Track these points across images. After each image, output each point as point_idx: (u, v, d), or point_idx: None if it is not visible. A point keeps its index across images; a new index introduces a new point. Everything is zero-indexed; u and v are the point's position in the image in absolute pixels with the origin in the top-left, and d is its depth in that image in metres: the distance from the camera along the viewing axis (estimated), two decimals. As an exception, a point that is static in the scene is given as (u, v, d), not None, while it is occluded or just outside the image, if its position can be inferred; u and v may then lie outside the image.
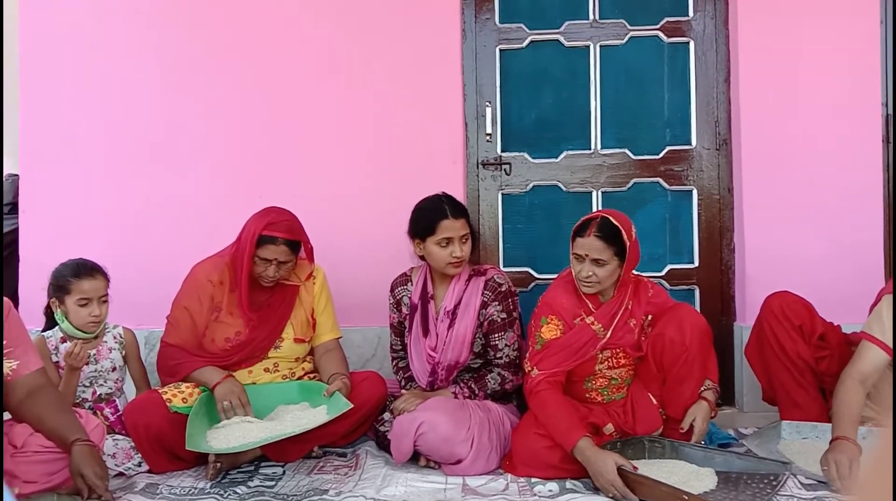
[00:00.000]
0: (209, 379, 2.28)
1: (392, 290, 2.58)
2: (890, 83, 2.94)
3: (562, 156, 3.08)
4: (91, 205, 3.06)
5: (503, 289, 2.40)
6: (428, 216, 2.37)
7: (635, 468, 1.95)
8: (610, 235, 2.16)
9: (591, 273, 2.17)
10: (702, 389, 2.21)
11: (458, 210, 2.38)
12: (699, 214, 3.06)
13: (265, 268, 2.34)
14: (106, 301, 2.35)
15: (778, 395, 2.40)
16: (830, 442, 2.00)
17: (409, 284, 2.53)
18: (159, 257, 2.99)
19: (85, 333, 2.33)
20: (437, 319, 2.45)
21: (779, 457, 2.09)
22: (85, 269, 2.33)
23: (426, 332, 2.45)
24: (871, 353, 2.11)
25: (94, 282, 2.32)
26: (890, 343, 2.10)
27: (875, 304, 2.25)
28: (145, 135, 3.06)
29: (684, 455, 2.12)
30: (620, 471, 1.93)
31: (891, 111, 2.94)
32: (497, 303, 2.38)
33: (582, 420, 2.14)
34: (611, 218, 2.19)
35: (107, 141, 3.07)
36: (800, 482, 2.05)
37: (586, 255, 2.17)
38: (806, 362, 2.34)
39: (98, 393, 2.39)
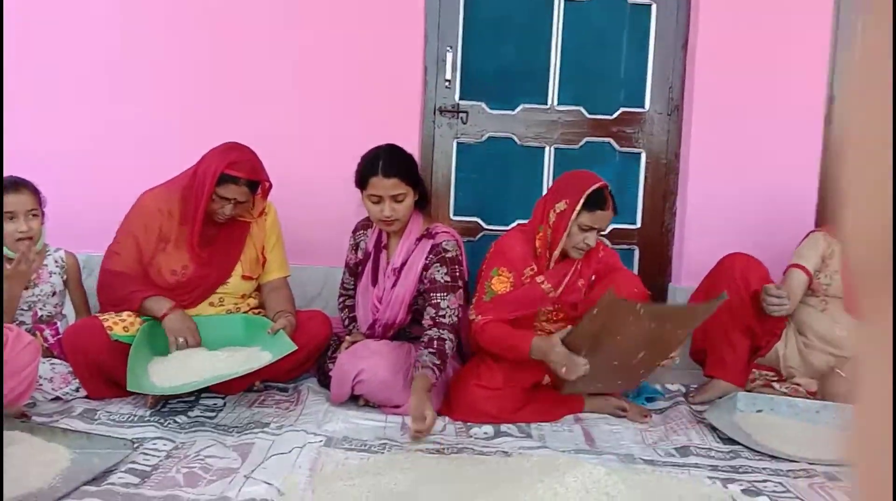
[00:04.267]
0: (158, 309, 2.25)
1: (354, 232, 2.56)
2: (834, 66, 3.05)
3: (518, 108, 3.10)
4: (37, 127, 2.93)
5: (448, 255, 2.32)
6: (362, 170, 2.30)
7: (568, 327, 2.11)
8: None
9: (595, 242, 2.23)
10: None
11: (392, 168, 2.25)
12: (646, 176, 3.14)
13: (222, 206, 2.30)
14: (36, 216, 2.28)
15: (709, 352, 2.53)
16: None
17: (370, 229, 2.50)
18: (105, 182, 2.90)
19: (17, 252, 2.27)
20: (385, 271, 2.44)
21: (736, 432, 2.18)
22: (10, 184, 2.26)
23: (375, 282, 2.45)
24: (793, 275, 2.54)
25: (18, 196, 2.25)
26: (810, 267, 2.55)
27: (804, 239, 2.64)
28: (98, 59, 2.92)
29: None
30: (568, 345, 2.08)
31: (834, 92, 3.05)
32: (440, 266, 2.31)
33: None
34: (608, 187, 2.23)
35: (57, 63, 2.92)
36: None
37: (600, 227, 2.22)
38: (749, 328, 2.46)
39: (39, 315, 2.34)
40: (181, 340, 2.19)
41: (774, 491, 1.82)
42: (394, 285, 2.39)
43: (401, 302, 2.38)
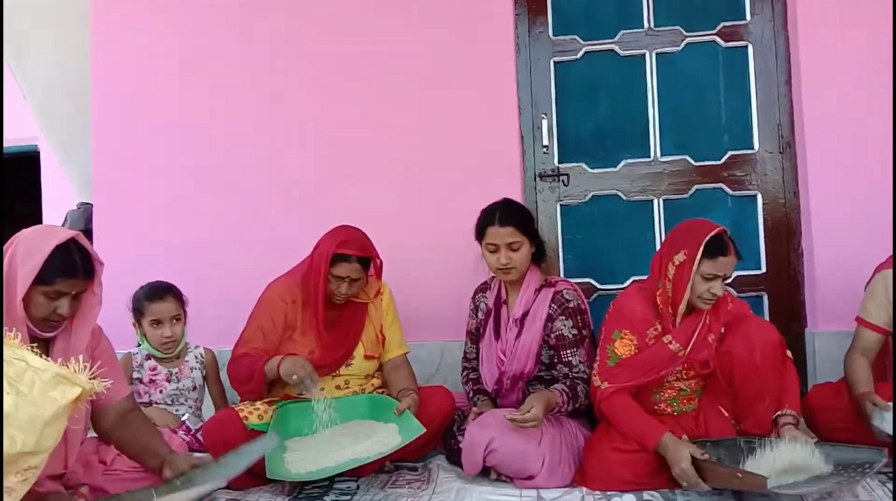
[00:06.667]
0: (272, 365, 2.27)
1: (473, 296, 2.63)
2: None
3: (620, 165, 3.07)
4: (163, 229, 3.18)
5: (571, 305, 2.38)
6: (480, 221, 2.43)
7: (703, 454, 1.97)
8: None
9: (722, 291, 2.15)
10: (779, 414, 2.12)
11: (507, 217, 2.37)
12: (765, 218, 3.01)
13: (338, 286, 2.39)
14: (179, 321, 2.42)
15: None
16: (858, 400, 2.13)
17: (488, 291, 2.57)
18: (230, 278, 3.09)
19: (162, 353, 2.42)
20: (507, 324, 2.46)
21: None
22: (156, 291, 2.42)
23: (498, 335, 2.48)
24: (864, 334, 2.30)
25: (163, 304, 2.40)
26: (881, 323, 2.27)
27: (869, 281, 2.36)
28: (210, 158, 3.19)
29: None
30: (694, 461, 1.94)
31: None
32: (565, 318, 2.36)
33: (660, 422, 2.13)
34: (727, 232, 2.16)
35: (174, 166, 3.19)
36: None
37: (724, 275, 2.14)
38: None
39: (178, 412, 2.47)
40: (295, 377, 2.20)
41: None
42: (517, 335, 2.42)
43: (527, 352, 2.39)
